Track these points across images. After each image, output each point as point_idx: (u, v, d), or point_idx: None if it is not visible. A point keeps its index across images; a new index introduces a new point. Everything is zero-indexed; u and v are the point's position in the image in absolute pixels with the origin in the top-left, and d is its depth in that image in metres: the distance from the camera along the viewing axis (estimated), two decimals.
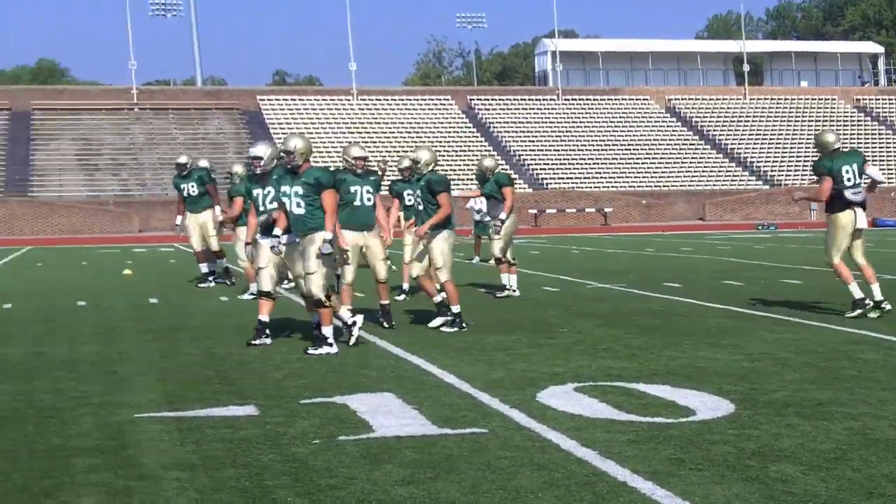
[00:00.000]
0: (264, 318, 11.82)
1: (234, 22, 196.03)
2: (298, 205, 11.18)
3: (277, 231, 11.38)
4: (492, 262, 17.58)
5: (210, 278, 19.45)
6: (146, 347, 11.95)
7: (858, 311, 13.17)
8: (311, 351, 11.09)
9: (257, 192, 12.01)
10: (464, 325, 12.77)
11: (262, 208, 11.96)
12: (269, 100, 68.91)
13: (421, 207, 13.07)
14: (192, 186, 19.14)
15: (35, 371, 10.32)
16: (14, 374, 10.13)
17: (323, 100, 69.58)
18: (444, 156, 59.42)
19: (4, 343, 12.46)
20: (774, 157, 69.23)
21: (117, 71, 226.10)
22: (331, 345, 11.10)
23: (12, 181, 57.78)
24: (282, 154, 11.44)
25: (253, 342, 11.73)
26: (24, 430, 7.70)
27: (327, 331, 11.16)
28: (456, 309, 12.79)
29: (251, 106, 67.64)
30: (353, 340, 11.43)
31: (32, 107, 64.68)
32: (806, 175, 63.58)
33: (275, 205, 11.69)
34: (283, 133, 63.76)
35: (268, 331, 11.84)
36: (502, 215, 16.75)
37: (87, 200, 55.75)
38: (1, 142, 61.20)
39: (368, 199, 13.26)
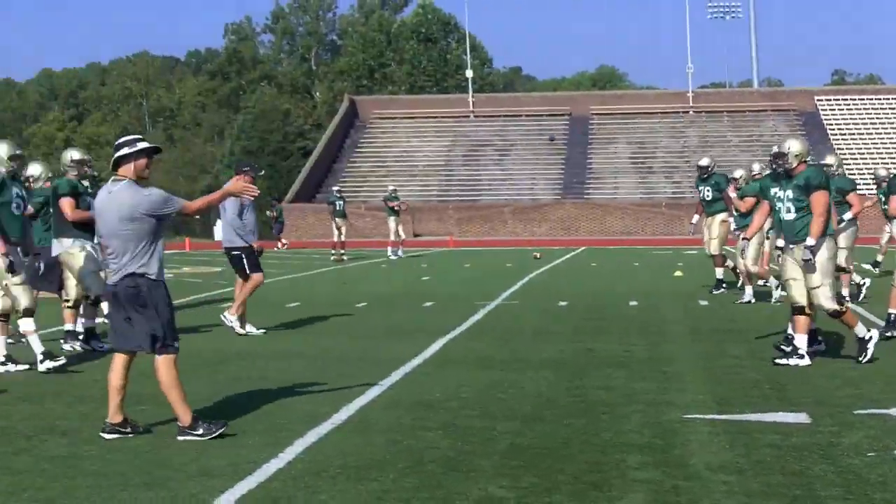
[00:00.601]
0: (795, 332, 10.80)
1: (792, 21, 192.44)
2: (788, 210, 10.64)
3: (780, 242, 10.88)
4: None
5: (723, 286, 19.20)
6: (693, 348, 11.99)
7: None
8: (779, 361, 10.53)
9: (774, 190, 11.03)
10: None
11: (776, 207, 10.96)
12: (826, 100, 66.78)
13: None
14: (708, 190, 19.01)
15: (587, 367, 10.65)
16: (567, 370, 10.53)
17: (885, 99, 66.19)
18: None
19: (557, 340, 12.97)
20: None
21: (673, 75, 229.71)
22: (802, 356, 10.46)
23: (570, 184, 60.29)
24: (771, 156, 10.91)
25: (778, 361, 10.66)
26: (577, 424, 7.97)
27: (800, 340, 10.54)
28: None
29: (808, 107, 65.91)
30: (866, 357, 10.51)
31: (591, 112, 67.10)
32: None
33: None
34: (840, 134, 61.69)
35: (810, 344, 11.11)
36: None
37: (639, 202, 56.98)
38: (561, 146, 64.03)
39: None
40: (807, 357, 10.47)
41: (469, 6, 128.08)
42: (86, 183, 12.47)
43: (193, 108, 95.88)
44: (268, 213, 42.68)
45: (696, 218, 19.81)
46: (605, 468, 6.64)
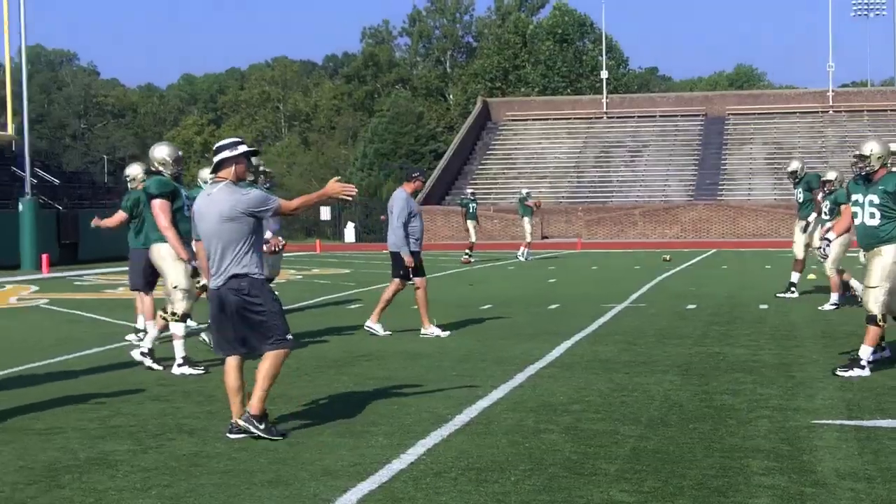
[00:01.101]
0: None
1: None
2: (872, 215, 10.19)
3: None
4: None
5: (793, 288, 18.68)
6: (823, 353, 11.73)
7: None
8: (839, 373, 10.14)
9: (856, 196, 10.47)
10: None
11: (855, 212, 10.49)
12: None
13: None
14: (799, 193, 18.53)
15: (714, 371, 10.51)
16: (694, 374, 10.40)
17: None
18: None
19: (684, 343, 12.83)
20: None
21: (813, 73, 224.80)
22: (863, 367, 10.10)
23: (703, 185, 59.53)
24: (854, 159, 10.44)
25: None
26: (702, 428, 7.88)
27: (864, 351, 10.17)
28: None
29: None
30: (848, 373, 10.09)
31: (727, 112, 66.18)
32: None
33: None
34: None
35: None
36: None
37: (774, 204, 55.96)
38: (695, 146, 63.28)
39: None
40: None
41: (606, 7, 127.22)
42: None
43: (329, 111, 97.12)
44: (381, 217, 42.89)
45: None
46: (730, 473, 6.55)
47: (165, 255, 11.15)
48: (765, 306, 17.15)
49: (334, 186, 7.96)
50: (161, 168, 11.23)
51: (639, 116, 66.95)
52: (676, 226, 54.08)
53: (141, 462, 7.07)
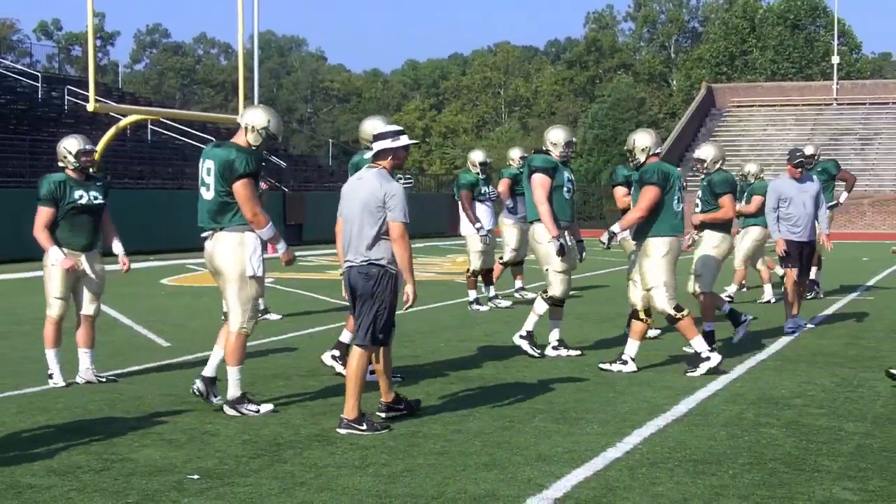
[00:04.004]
0: None
1: None
2: None
3: None
4: None
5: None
6: None
7: None
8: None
9: None
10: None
11: None
12: None
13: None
14: None
15: None
16: None
17: None
18: None
19: None
20: None
21: None
22: None
23: None
24: None
25: None
26: None
27: None
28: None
29: None
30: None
31: None
32: None
33: None
34: None
35: None
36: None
37: None
38: None
39: None
40: None
41: None
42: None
43: (549, 96, 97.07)
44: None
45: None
46: None
47: (539, 236, 10.87)
48: None
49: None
50: (551, 148, 10.93)
51: (870, 103, 64.49)
52: None
53: (359, 440, 7.22)
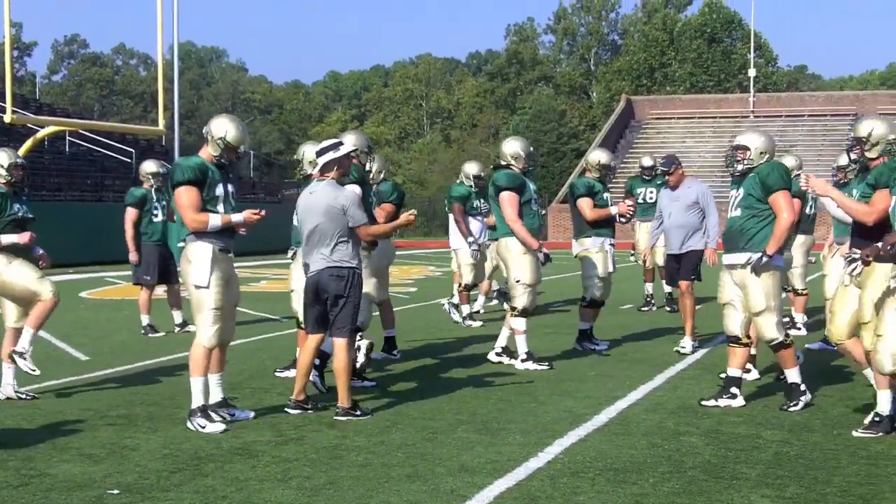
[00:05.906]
0: None
1: None
2: None
3: None
4: None
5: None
6: None
7: None
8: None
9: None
10: None
11: None
12: None
13: None
14: None
15: (858, 377, 10.18)
16: (839, 379, 10.18)
17: None
18: None
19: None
20: None
21: None
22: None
23: None
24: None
25: None
26: (846, 434, 7.72)
27: None
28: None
29: None
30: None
31: (878, 111, 64.36)
32: None
33: None
34: None
35: None
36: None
37: None
38: (845, 146, 61.71)
39: None
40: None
41: (756, 4, 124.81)
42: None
43: (471, 108, 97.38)
44: None
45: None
46: (875, 481, 6.40)
47: (512, 248, 10.88)
48: None
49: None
50: (513, 162, 10.94)
51: (787, 116, 65.60)
52: (823, 227, 52.85)
53: (282, 453, 7.19)
